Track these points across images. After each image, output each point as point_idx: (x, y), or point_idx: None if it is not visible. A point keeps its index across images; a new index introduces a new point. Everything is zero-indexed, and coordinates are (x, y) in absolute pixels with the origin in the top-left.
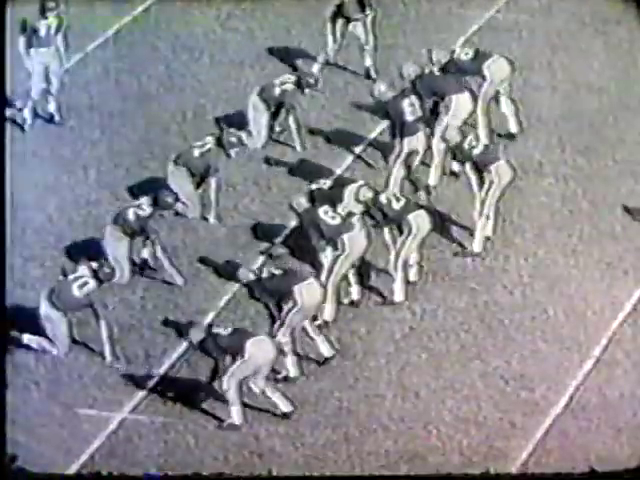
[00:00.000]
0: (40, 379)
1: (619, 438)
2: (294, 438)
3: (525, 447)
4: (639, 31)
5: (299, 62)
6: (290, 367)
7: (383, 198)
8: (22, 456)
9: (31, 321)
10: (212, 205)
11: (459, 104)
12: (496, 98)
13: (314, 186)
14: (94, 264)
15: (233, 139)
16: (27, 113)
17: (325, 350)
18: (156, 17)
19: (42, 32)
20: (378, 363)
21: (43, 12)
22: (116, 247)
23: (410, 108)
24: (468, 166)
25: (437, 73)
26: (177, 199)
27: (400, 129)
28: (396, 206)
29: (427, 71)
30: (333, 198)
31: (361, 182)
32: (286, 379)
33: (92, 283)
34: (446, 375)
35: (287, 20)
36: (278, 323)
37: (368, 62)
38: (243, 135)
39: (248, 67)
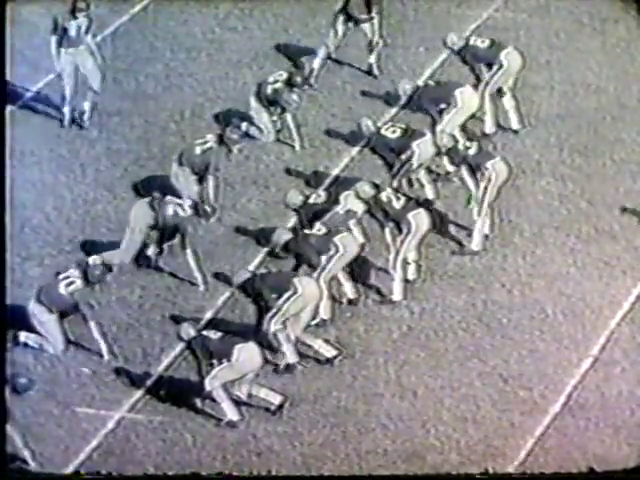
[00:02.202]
0: (38, 378)
1: (617, 437)
2: (292, 437)
3: (523, 446)
4: (637, 31)
5: (302, 59)
6: (288, 355)
7: (384, 196)
8: (21, 455)
9: (29, 320)
10: (211, 203)
11: (464, 97)
12: (499, 92)
13: (311, 201)
14: (94, 259)
15: (235, 136)
16: (66, 111)
17: (327, 352)
18: (154, 16)
19: (72, 32)
20: (376, 362)
21: (73, 12)
22: (137, 229)
23: (391, 129)
24: (464, 168)
25: (433, 84)
26: (215, 210)
27: (396, 148)
28: (396, 205)
29: (422, 84)
30: (324, 210)
31: (356, 189)
32: (288, 368)
33: (79, 283)
34: (444, 374)
35: (285, 20)
36: (272, 312)
37: (372, 59)
38: (252, 129)
39: (246, 66)
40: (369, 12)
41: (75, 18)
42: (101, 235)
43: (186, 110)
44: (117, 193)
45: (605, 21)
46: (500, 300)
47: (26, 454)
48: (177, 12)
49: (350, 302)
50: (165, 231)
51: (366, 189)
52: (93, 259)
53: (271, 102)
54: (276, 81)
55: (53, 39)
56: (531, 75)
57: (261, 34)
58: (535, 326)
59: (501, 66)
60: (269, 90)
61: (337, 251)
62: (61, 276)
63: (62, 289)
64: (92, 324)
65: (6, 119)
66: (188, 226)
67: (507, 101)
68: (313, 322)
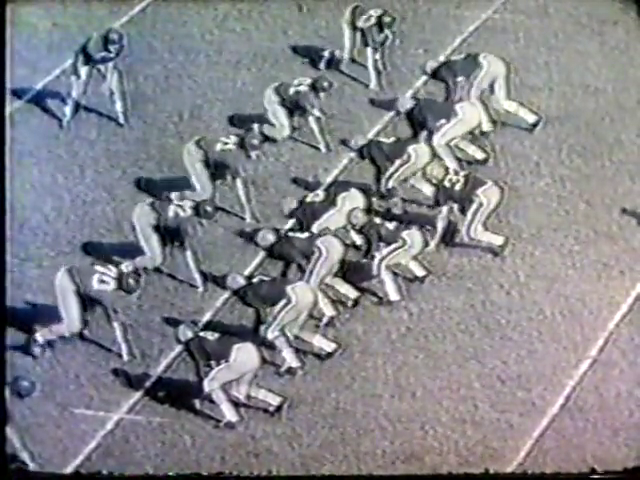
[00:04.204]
0: (37, 379)
1: (616, 438)
2: (290, 438)
3: (522, 447)
4: (636, 32)
5: (321, 62)
6: (289, 359)
7: (377, 220)
8: (19, 456)
9: (27, 321)
10: (245, 205)
11: (465, 111)
12: (494, 102)
13: (308, 198)
14: (126, 268)
15: (255, 141)
16: (68, 110)
17: (326, 347)
18: (153, 17)
19: (97, 57)
20: (375, 363)
21: (105, 43)
22: (146, 232)
23: (385, 138)
24: (456, 207)
25: (432, 100)
26: (218, 208)
27: (391, 152)
28: (390, 226)
29: (422, 100)
30: (321, 210)
31: (353, 191)
32: (289, 371)
33: (112, 285)
34: (443, 375)
35: (284, 21)
36: (268, 321)
37: (377, 55)
38: (266, 128)
39: (245, 68)
40: (381, 31)
41: (108, 51)
42: (100, 236)
43: (185, 111)
44: (116, 194)
45: (604, 22)
46: (499, 301)
47: (25, 455)
48: (176, 14)
49: (355, 303)
50: (167, 232)
51: (359, 216)
52: (126, 266)
53: (292, 103)
54: (299, 84)
55: (80, 57)
56: (530, 76)
57: (260, 35)
58: (534, 327)
59: (481, 68)
60: (291, 91)
61: (320, 254)
62: (99, 268)
63: (94, 282)
64: (116, 324)
65: (6, 120)
66: (189, 227)
67: (509, 105)
68: (322, 323)
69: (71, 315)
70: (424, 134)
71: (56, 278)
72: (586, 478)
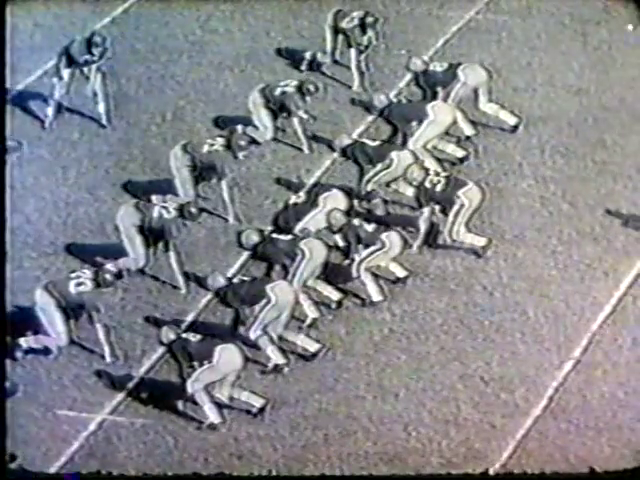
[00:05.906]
0: (19, 380)
1: (599, 440)
2: (273, 439)
3: (505, 448)
4: (618, 32)
5: (303, 64)
6: (274, 357)
7: (356, 222)
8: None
9: (13, 323)
10: (228, 207)
11: (436, 111)
12: (476, 106)
13: (291, 200)
14: (106, 266)
15: (242, 142)
16: (50, 111)
17: (310, 347)
18: (135, 18)
19: (80, 60)
20: (358, 364)
21: (89, 46)
22: (130, 233)
23: (369, 140)
24: (437, 208)
25: (404, 101)
26: (202, 210)
27: (374, 155)
28: (369, 228)
29: (395, 100)
30: (304, 212)
31: (335, 191)
32: (276, 368)
33: (89, 285)
34: (425, 376)
35: (267, 22)
36: (250, 321)
37: (361, 57)
38: (250, 130)
39: (227, 69)
40: (364, 33)
41: (90, 54)
42: (83, 238)
43: (168, 113)
44: (99, 195)
45: (587, 23)
46: (481, 302)
47: (6, 457)
48: (159, 14)
49: (339, 304)
50: (151, 234)
51: (337, 216)
52: (109, 266)
53: (278, 105)
54: (286, 85)
55: (63, 59)
56: (512, 77)
57: (243, 37)
58: (516, 328)
59: (458, 80)
60: (277, 92)
61: (303, 256)
62: (73, 275)
63: (71, 287)
64: (98, 326)
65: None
66: (173, 228)
67: (490, 108)
68: (305, 324)
69: (57, 330)
70: (399, 137)
71: (35, 298)
72: (585, 478)
